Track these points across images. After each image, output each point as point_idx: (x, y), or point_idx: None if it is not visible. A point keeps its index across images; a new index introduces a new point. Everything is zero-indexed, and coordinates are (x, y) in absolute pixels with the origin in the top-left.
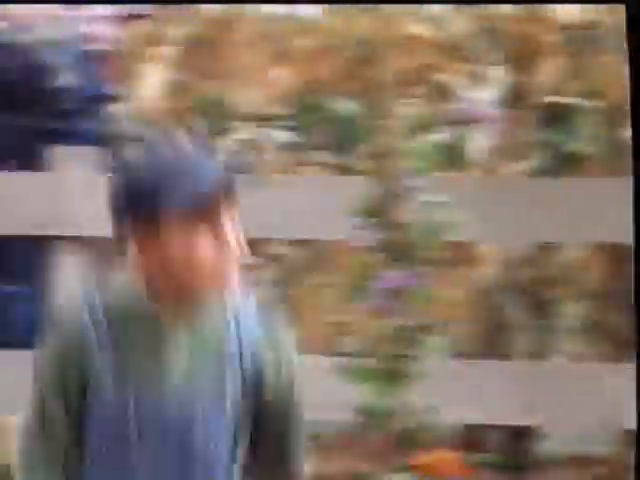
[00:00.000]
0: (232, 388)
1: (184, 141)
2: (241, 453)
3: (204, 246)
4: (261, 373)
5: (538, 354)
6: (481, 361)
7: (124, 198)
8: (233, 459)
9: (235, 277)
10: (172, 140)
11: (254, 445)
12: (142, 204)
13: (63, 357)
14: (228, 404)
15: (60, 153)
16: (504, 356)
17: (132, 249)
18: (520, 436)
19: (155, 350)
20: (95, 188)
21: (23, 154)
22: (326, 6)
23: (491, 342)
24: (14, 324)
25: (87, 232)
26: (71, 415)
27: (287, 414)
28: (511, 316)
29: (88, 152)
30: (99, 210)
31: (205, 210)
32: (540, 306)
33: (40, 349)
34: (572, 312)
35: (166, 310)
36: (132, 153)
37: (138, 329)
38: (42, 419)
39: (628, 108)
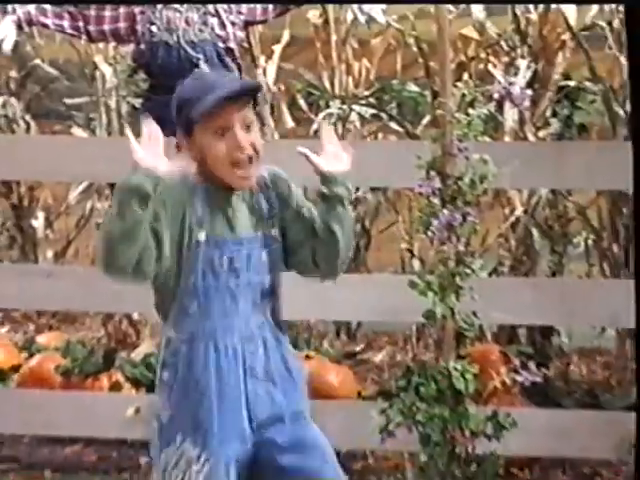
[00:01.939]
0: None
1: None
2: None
3: (221, 143)
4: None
5: (556, 272)
6: (513, 277)
7: (175, 109)
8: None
9: (251, 169)
10: (214, 72)
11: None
12: (181, 111)
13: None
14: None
15: None
16: (530, 274)
17: (182, 147)
18: (544, 333)
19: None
20: None
21: (175, 125)
22: (394, 14)
23: (520, 263)
24: None
25: None
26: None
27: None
28: (535, 244)
29: None
30: None
31: (222, 117)
32: (557, 237)
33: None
34: (581, 241)
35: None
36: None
37: (215, 195)
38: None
39: (623, 90)
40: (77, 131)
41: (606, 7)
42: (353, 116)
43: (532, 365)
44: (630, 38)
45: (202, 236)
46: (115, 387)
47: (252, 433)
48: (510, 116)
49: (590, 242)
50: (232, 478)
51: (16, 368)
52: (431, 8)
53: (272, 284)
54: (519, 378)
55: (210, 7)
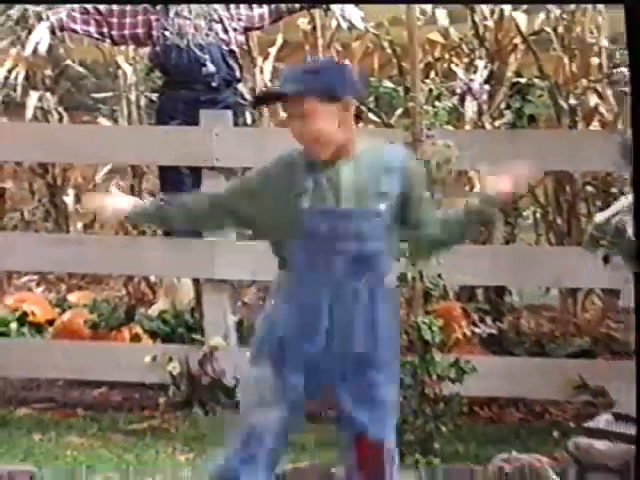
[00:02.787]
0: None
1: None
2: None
3: (292, 130)
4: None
5: (509, 241)
6: (473, 245)
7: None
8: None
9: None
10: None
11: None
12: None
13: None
14: (384, 207)
15: (209, 115)
16: (487, 242)
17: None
18: (498, 292)
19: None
20: (230, 135)
21: (186, 115)
22: (372, 22)
23: (480, 233)
24: None
25: (223, 164)
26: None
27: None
28: None
29: (224, 114)
30: (232, 147)
31: (287, 107)
32: (510, 211)
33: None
34: (530, 215)
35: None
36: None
37: (320, 168)
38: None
39: (567, 86)
40: (102, 121)
41: (551, 15)
42: None
43: (488, 320)
44: (630, 38)
45: (305, 205)
46: (135, 338)
47: (324, 370)
48: (470, 108)
49: (538, 215)
50: (301, 402)
51: (51, 322)
52: (403, 16)
53: (372, 252)
54: (477, 330)
55: (215, 15)
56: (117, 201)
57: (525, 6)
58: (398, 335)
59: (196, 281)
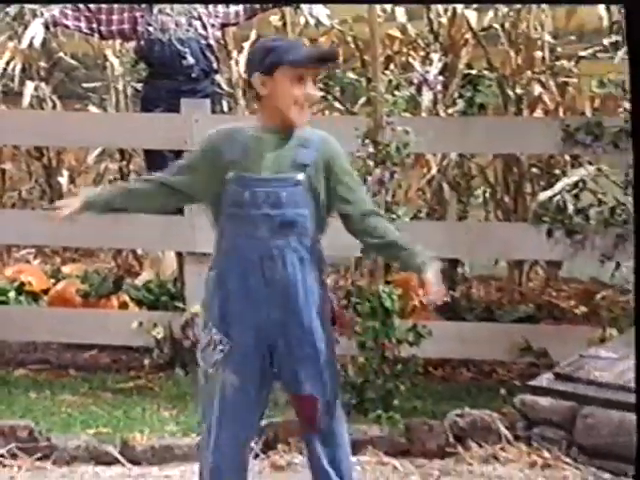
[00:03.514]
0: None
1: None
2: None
3: (295, 93)
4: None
5: (461, 217)
6: (429, 221)
7: (256, 61)
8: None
9: (308, 113)
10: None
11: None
12: (265, 63)
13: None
14: (302, 177)
15: (189, 103)
16: (442, 219)
17: (255, 80)
18: (452, 264)
19: (259, 153)
20: (209, 122)
21: (169, 103)
22: (337, 19)
23: (434, 211)
24: None
25: None
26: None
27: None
28: (445, 196)
29: (203, 102)
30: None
31: (305, 70)
32: (462, 190)
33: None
34: (480, 194)
35: (266, 131)
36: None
37: (251, 141)
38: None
39: (513, 77)
40: (92, 108)
41: (499, 12)
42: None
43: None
44: (630, 38)
45: (230, 175)
46: (123, 306)
47: (267, 327)
48: (426, 97)
49: (487, 194)
50: (248, 358)
51: (46, 291)
52: (365, 14)
53: (294, 217)
54: None
55: (194, 12)
56: (71, 202)
57: (476, 4)
58: (327, 298)
59: (179, 254)
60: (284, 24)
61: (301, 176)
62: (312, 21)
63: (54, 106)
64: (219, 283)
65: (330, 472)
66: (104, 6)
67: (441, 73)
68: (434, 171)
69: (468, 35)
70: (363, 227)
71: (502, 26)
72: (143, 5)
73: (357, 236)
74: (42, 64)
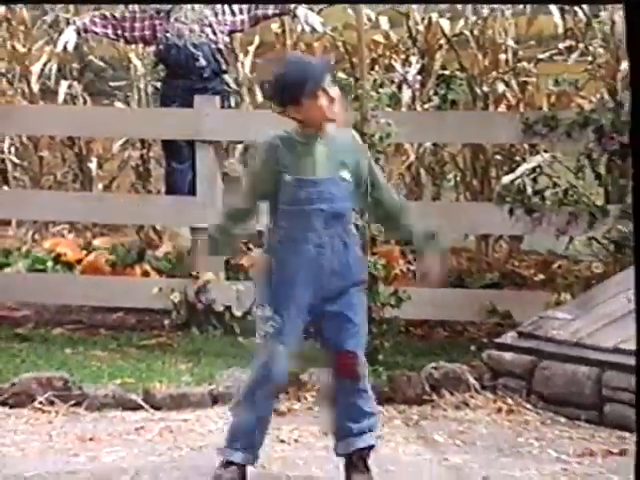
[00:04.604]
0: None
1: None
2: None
3: (324, 104)
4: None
5: (435, 199)
6: (407, 201)
7: (280, 98)
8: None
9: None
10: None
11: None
12: (287, 99)
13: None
14: (348, 175)
15: (201, 100)
16: (418, 199)
17: (290, 111)
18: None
19: (310, 157)
20: (219, 116)
21: (184, 100)
22: (329, 26)
23: (412, 192)
24: None
25: (212, 138)
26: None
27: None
28: (422, 180)
29: (213, 99)
30: (219, 124)
31: (319, 92)
32: (436, 175)
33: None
34: (452, 178)
35: (309, 137)
36: (278, 70)
37: (299, 146)
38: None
39: (480, 76)
40: (118, 104)
41: (469, 20)
42: None
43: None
44: (630, 38)
45: (288, 178)
46: (145, 274)
47: (316, 303)
48: (406, 94)
49: (458, 178)
50: (296, 332)
51: (79, 261)
52: (353, 22)
53: (342, 210)
54: (412, 267)
55: (206, 21)
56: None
57: (449, 14)
58: (366, 269)
59: (193, 229)
60: (283, 31)
61: (346, 174)
62: (307, 28)
63: (85, 102)
64: (275, 268)
65: (364, 408)
66: (128, 15)
67: (419, 73)
68: (412, 158)
69: (442, 40)
70: (390, 209)
71: (471, 32)
72: (162, 14)
73: (383, 219)
74: (75, 65)
